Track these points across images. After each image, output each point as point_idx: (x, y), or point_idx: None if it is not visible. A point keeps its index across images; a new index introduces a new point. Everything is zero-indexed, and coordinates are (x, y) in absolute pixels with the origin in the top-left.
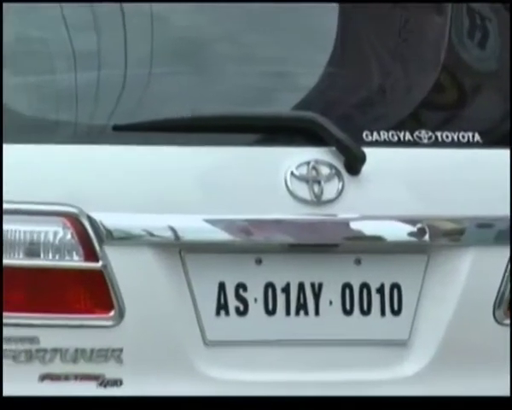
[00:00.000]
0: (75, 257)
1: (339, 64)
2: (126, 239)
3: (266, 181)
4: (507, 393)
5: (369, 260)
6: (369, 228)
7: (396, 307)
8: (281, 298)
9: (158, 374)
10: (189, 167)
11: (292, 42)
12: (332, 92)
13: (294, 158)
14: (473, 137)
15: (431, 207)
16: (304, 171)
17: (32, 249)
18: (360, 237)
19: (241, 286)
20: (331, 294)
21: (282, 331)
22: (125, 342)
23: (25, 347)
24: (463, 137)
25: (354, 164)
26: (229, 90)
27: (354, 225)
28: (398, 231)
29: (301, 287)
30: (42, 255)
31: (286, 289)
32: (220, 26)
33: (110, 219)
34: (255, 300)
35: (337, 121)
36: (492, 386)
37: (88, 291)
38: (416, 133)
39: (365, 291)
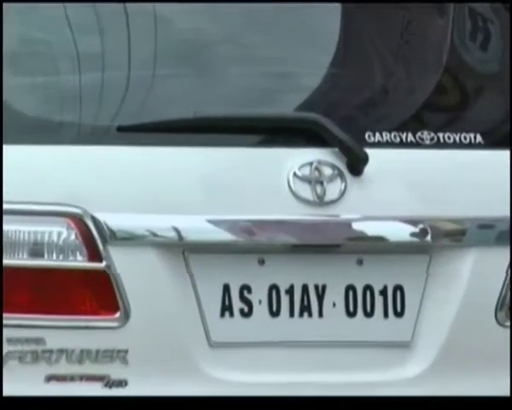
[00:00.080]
0: (79, 257)
1: (341, 65)
2: (130, 239)
3: (269, 182)
4: (508, 393)
5: (371, 260)
6: (371, 228)
7: (399, 308)
8: (285, 300)
9: (163, 375)
10: (192, 168)
11: (294, 43)
12: (334, 93)
13: (297, 159)
14: (474, 138)
15: (433, 207)
16: (306, 171)
17: (36, 250)
18: (362, 237)
19: (246, 288)
20: (334, 296)
21: (285, 333)
22: (131, 344)
23: (31, 348)
24: (465, 138)
25: (357, 165)
26: (232, 91)
27: (356, 226)
28: (400, 232)
29: (305, 289)
30: (46, 256)
31: (290, 291)
32: (223, 28)
33: (114, 220)
34: (259, 301)
35: (339, 122)
36: (494, 387)
37: (93, 292)
38: (418, 134)
39: (368, 293)
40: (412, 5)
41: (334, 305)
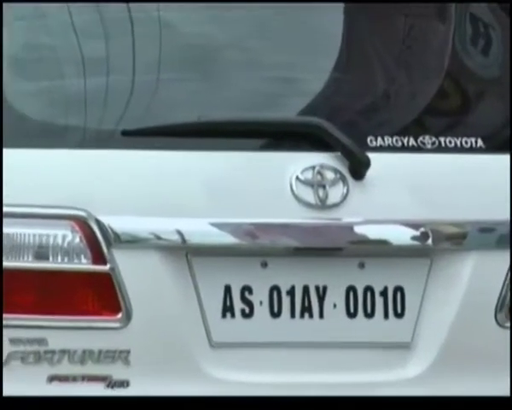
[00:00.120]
0: (83, 260)
1: (344, 70)
2: (134, 242)
3: (272, 185)
4: (508, 394)
5: (372, 263)
6: (372, 232)
7: (399, 309)
8: (286, 301)
9: (164, 375)
10: (196, 172)
11: (297, 48)
12: (337, 98)
13: (300, 163)
14: (475, 142)
15: (434, 211)
16: (309, 175)
17: (41, 252)
18: (364, 240)
19: (247, 289)
20: (335, 297)
21: (286, 333)
22: (132, 344)
23: (33, 348)
24: (466, 142)
25: (359, 169)
26: (236, 95)
27: (358, 229)
28: (401, 235)
29: (306, 290)
30: (51, 258)
31: (291, 292)
32: (227, 33)
33: (118, 223)
34: (260, 302)
35: (342, 127)
36: (494, 388)
37: (96, 294)
38: (420, 139)
39: (369, 294)
40: (414, 11)
41: (334, 306)
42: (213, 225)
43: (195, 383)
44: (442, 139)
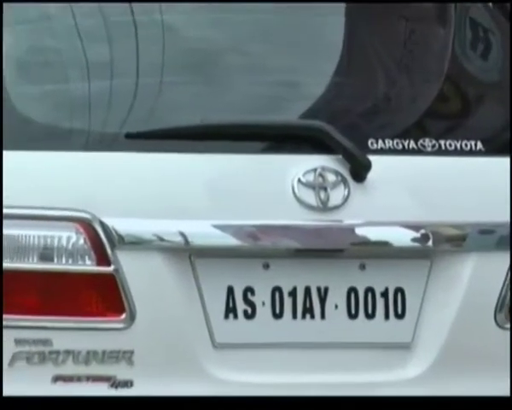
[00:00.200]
0: (88, 261)
1: (345, 74)
2: (137, 244)
3: (274, 188)
4: (508, 394)
5: (373, 265)
6: (373, 234)
7: (400, 310)
8: (288, 302)
9: (168, 375)
10: (199, 174)
11: (299, 52)
12: (338, 101)
13: (301, 165)
14: (475, 145)
15: (434, 213)
16: (310, 178)
17: (46, 254)
18: (365, 242)
19: (249, 290)
20: (337, 298)
21: (288, 334)
22: (136, 345)
23: (38, 349)
24: (466, 145)
25: (360, 171)
26: (238, 99)
27: (359, 231)
28: (402, 237)
29: (307, 291)
30: (55, 260)
31: (293, 293)
32: (230, 37)
33: (122, 225)
34: (263, 303)
35: (343, 130)
36: (494, 388)
37: (100, 295)
38: (420, 141)
39: (370, 295)
40: (415, 15)
41: (336, 307)
42: (216, 226)
43: (199, 383)
44: (442, 142)
